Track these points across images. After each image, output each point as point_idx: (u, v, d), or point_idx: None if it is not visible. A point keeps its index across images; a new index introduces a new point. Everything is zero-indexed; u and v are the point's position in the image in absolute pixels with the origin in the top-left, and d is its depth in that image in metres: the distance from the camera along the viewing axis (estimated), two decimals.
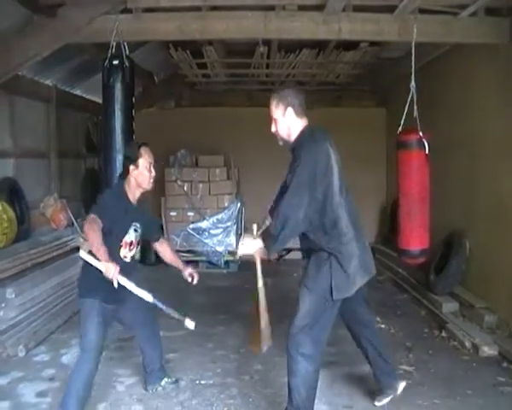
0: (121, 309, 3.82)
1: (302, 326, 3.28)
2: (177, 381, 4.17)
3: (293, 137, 3.36)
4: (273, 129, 3.42)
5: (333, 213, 3.19)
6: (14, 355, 4.69)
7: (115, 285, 3.33)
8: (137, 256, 4.09)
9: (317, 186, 3.13)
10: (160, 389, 4.07)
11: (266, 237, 3.28)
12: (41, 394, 4.03)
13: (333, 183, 3.18)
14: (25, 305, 5.14)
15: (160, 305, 3.65)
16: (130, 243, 3.71)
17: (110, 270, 3.29)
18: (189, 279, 3.92)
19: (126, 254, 3.70)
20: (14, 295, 4.97)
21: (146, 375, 4.11)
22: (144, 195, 3.82)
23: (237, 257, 3.49)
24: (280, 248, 3.36)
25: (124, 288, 3.66)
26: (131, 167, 3.66)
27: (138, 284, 3.60)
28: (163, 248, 4.07)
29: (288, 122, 3.33)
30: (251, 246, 3.36)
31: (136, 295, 3.80)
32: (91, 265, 3.51)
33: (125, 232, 3.66)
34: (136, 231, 3.74)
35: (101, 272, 3.31)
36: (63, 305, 5.86)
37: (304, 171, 3.14)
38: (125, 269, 3.63)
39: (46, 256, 6.05)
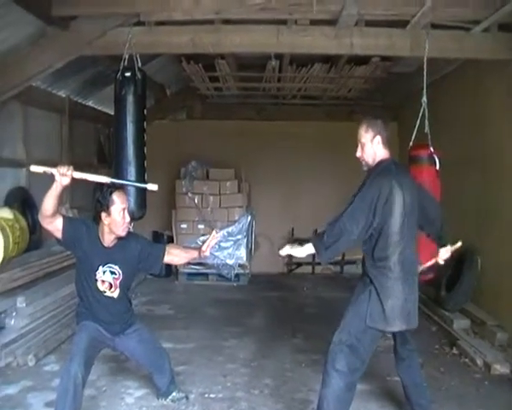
0: (120, 342, 3.84)
1: (339, 341, 3.32)
2: (187, 397, 4.15)
3: (374, 163, 3.46)
4: (358, 154, 3.52)
5: (385, 250, 3.26)
6: (24, 364, 4.70)
7: (68, 180, 3.30)
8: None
9: (376, 215, 3.21)
10: (169, 401, 4.07)
11: (318, 243, 3.34)
12: (50, 404, 4.00)
13: (391, 221, 3.24)
14: (35, 314, 5.16)
15: (120, 182, 3.67)
16: (110, 285, 3.68)
17: (61, 167, 3.29)
18: (207, 253, 3.87)
19: (106, 290, 3.68)
20: (24, 305, 5.00)
21: (156, 388, 4.12)
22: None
23: (282, 254, 3.51)
24: (330, 257, 3.41)
25: (117, 320, 3.75)
26: (103, 215, 3.57)
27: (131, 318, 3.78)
28: (172, 256, 3.93)
29: (374, 148, 3.44)
30: (301, 251, 3.46)
31: (138, 328, 3.87)
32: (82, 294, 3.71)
33: (94, 269, 3.64)
34: (113, 273, 3.67)
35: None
36: (73, 315, 5.86)
37: (367, 195, 3.26)
38: (108, 304, 3.68)
39: (57, 266, 6.06)
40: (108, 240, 3.66)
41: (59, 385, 3.47)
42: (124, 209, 3.60)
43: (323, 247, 3.30)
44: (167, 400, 4.07)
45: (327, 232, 3.29)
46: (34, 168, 3.44)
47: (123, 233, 3.64)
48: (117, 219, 3.57)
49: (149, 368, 4.06)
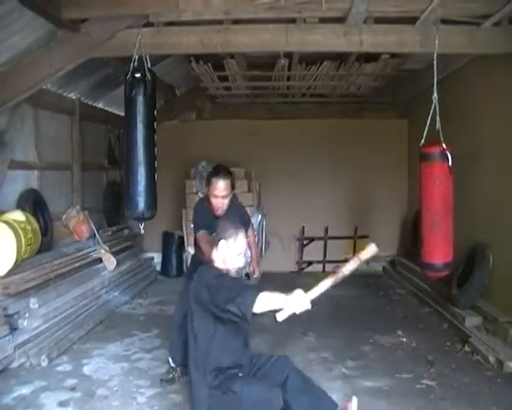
0: None
1: None
2: None
3: None
4: None
5: None
6: (37, 365, 4.75)
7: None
8: None
9: None
10: None
11: None
12: (63, 403, 4.06)
13: None
14: (48, 315, 5.21)
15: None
16: None
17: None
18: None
19: None
20: (37, 306, 5.04)
21: None
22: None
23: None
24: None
25: None
26: (206, 188, 4.41)
27: None
28: None
29: None
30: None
31: None
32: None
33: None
34: None
35: None
36: (85, 316, 5.91)
37: None
38: None
39: (69, 267, 6.10)
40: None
41: None
42: (219, 196, 4.26)
43: None
44: None
45: None
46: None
47: (218, 213, 4.27)
48: (212, 200, 4.30)
49: None
